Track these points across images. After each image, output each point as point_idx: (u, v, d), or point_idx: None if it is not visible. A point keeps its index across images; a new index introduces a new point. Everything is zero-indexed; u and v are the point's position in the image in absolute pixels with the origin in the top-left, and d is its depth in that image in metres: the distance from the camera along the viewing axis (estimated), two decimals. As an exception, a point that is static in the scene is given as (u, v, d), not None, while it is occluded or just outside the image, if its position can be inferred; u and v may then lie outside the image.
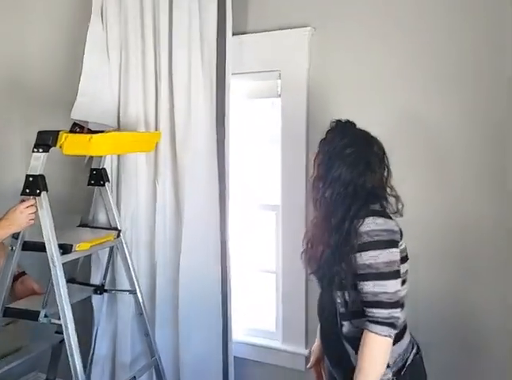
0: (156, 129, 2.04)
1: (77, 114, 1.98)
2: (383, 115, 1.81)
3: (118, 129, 2.09)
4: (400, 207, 1.39)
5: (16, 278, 1.86)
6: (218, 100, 1.96)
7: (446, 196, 1.76)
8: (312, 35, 1.91)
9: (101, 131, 1.89)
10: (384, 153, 1.38)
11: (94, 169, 2.06)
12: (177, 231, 2.06)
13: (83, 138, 1.63)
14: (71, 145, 1.63)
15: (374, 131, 1.40)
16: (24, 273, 1.94)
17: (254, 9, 2.01)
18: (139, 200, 2.11)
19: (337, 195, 1.32)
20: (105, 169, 2.07)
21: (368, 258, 1.25)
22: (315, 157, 1.40)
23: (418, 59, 1.76)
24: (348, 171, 1.31)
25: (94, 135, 1.64)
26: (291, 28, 1.92)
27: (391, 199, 1.39)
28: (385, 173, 1.38)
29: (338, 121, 1.41)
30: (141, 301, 2.03)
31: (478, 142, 1.70)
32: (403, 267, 1.34)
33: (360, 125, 1.42)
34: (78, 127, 1.75)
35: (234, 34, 1.91)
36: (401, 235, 1.35)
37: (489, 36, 1.66)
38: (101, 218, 2.13)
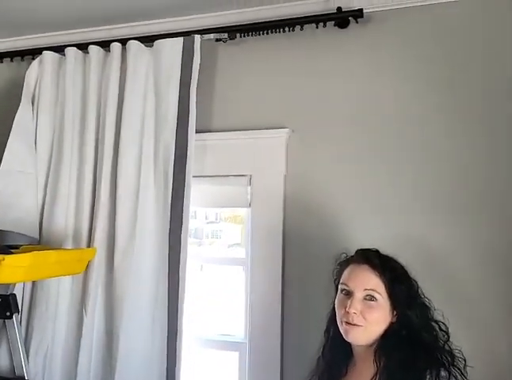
0: (89, 245, 1.61)
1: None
2: (377, 230, 1.52)
3: (38, 243, 1.66)
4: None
5: None
6: (173, 210, 1.60)
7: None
8: (290, 137, 1.64)
9: (16, 247, 1.48)
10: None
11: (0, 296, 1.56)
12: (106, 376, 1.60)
13: (-11, 260, 1.21)
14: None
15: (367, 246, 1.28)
16: None
17: (219, 106, 1.74)
18: (58, 335, 1.66)
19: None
20: (14, 295, 1.59)
21: None
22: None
23: (407, 168, 1.53)
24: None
25: (7, 256, 1.23)
26: (264, 129, 1.66)
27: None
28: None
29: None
30: None
31: (487, 262, 1.44)
32: None
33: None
34: (-18, 245, 1.29)
35: (197, 132, 1.62)
36: None
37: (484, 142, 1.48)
38: (3, 361, 1.64)
